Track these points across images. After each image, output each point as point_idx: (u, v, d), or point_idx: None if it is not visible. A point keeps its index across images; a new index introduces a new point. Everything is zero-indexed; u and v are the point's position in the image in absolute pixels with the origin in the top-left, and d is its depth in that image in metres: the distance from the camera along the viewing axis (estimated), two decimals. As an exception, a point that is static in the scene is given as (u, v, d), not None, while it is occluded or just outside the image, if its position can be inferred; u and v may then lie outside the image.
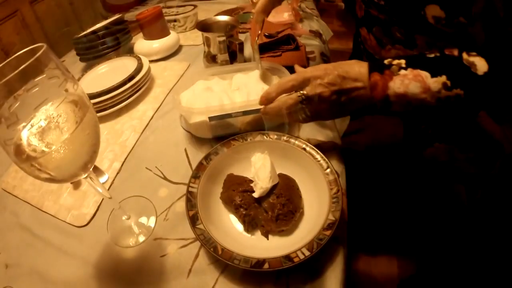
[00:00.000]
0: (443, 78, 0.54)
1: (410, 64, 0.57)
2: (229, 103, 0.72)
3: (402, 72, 0.57)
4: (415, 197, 1.46)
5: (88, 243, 0.61)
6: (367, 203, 1.38)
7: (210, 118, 0.70)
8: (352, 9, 0.92)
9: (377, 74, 0.58)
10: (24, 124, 0.38)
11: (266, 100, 0.65)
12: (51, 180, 0.43)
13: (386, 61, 0.60)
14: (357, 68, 0.61)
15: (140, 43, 1.16)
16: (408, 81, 0.56)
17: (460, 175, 0.99)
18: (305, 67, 0.95)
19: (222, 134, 0.74)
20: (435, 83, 0.55)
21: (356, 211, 0.73)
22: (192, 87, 0.80)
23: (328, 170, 0.60)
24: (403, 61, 0.58)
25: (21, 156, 0.39)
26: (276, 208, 0.55)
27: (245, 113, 0.70)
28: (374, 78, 0.58)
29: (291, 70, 0.93)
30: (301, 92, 0.61)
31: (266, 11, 0.75)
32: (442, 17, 0.56)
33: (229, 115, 0.70)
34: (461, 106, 0.57)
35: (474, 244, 1.13)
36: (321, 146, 0.67)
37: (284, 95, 0.64)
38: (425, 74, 0.55)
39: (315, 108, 0.62)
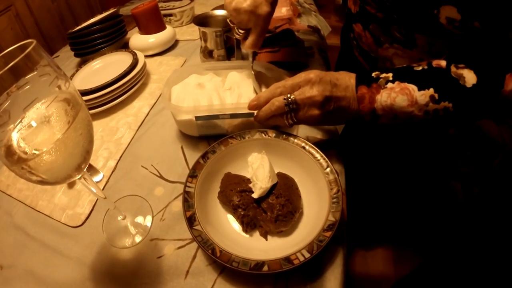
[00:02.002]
0: (431, 91, 0.54)
1: (397, 77, 0.57)
2: (218, 104, 0.71)
3: (389, 85, 0.57)
4: (412, 195, 1.46)
5: (84, 243, 0.60)
6: (363, 202, 1.37)
7: (197, 118, 0.69)
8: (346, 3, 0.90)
9: (364, 87, 0.59)
10: (14, 124, 0.37)
11: (255, 106, 0.65)
12: (44, 182, 0.42)
13: (373, 74, 0.60)
14: (347, 78, 0.61)
15: (136, 38, 1.14)
16: (395, 94, 0.56)
17: (457, 172, 0.99)
18: (303, 63, 0.95)
19: (208, 134, 0.74)
20: (422, 96, 0.55)
21: (354, 210, 0.73)
22: (185, 80, 0.78)
23: (328, 169, 0.59)
24: (390, 74, 0.58)
25: (11, 158, 0.38)
26: (275, 208, 0.54)
27: (233, 116, 0.69)
28: (361, 91, 0.59)
29: (290, 66, 0.92)
30: (288, 95, 0.61)
31: (258, 46, 0.74)
32: (457, 19, 0.54)
33: (216, 117, 0.69)
34: (449, 118, 0.56)
35: (470, 242, 1.13)
36: (320, 144, 0.66)
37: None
38: (412, 87, 0.55)
39: (304, 114, 0.62)
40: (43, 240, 0.62)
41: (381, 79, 0.58)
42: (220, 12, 0.96)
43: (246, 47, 0.74)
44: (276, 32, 1.00)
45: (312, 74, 0.61)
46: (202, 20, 0.94)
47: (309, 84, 0.61)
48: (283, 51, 0.96)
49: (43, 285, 0.55)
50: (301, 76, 0.62)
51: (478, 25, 0.52)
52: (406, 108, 0.56)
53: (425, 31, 0.63)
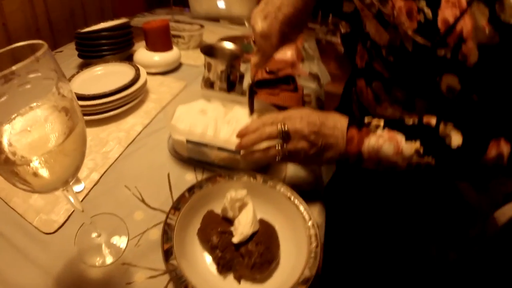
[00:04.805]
0: (417, 144, 0.56)
1: (388, 125, 0.59)
2: (210, 135, 0.74)
3: (379, 131, 0.59)
4: (390, 255, 1.47)
5: (53, 252, 0.58)
6: (340, 256, 1.37)
7: (188, 141, 0.72)
8: (351, 56, 0.93)
9: (355, 129, 0.61)
10: (7, 123, 0.36)
11: (244, 133, 0.66)
12: (28, 190, 0.41)
13: (366, 119, 0.62)
14: (338, 118, 0.63)
15: (141, 53, 1.15)
16: (382, 141, 0.58)
17: (434, 234, 1.01)
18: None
19: (197, 158, 0.77)
20: (408, 147, 0.57)
21: (330, 264, 0.73)
22: (193, 103, 0.81)
23: (310, 223, 0.60)
24: (382, 121, 0.60)
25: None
26: (253, 256, 0.55)
27: (220, 149, 0.71)
28: (351, 133, 0.60)
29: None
30: (282, 123, 0.62)
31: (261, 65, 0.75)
32: (457, 89, 0.56)
33: (204, 145, 0.71)
34: (430, 174, 0.59)
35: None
36: (304, 194, 0.66)
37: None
38: (400, 137, 0.57)
39: (295, 145, 0.63)
40: (10, 239, 0.60)
41: (372, 125, 0.60)
42: (228, 45, 0.98)
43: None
44: (278, 75, 1.03)
45: (303, 111, 0.63)
46: (209, 50, 0.95)
47: (299, 119, 0.62)
48: (282, 96, 0.98)
49: (3, 285, 0.53)
50: (292, 111, 0.64)
51: (475, 98, 0.55)
52: (391, 157, 0.58)
53: (426, 97, 0.66)
